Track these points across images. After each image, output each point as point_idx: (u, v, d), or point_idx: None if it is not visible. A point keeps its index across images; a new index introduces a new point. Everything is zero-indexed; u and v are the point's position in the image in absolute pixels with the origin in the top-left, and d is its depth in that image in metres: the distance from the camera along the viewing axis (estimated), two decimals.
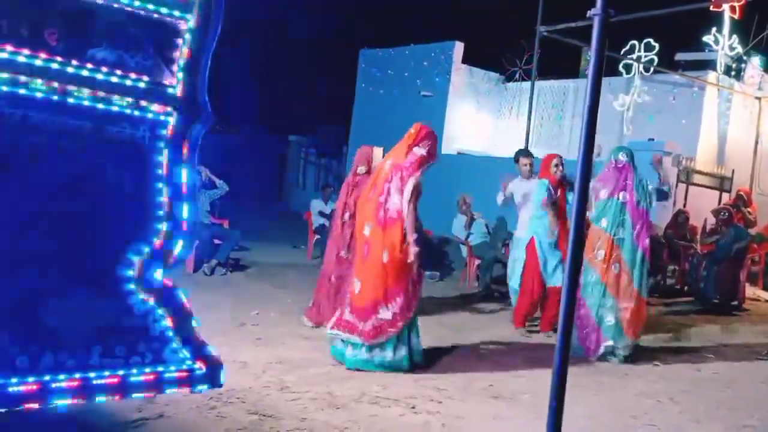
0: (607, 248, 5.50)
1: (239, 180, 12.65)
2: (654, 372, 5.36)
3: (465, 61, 14.57)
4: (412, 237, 4.56)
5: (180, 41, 2.63)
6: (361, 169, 5.96)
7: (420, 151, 4.70)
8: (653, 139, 10.76)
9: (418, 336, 4.82)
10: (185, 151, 2.66)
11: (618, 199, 5.55)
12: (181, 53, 2.63)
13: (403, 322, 4.60)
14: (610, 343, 5.48)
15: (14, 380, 2.29)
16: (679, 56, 12.93)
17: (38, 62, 2.35)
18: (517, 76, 14.96)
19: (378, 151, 6.00)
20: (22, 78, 2.33)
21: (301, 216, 10.96)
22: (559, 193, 6.28)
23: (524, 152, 7.03)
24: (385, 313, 4.55)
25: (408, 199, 4.55)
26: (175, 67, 2.63)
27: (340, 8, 20.24)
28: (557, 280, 6.07)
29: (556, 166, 6.25)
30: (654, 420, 4.19)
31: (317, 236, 9.98)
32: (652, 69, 12.33)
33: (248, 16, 14.37)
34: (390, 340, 4.60)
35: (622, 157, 5.64)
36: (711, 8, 10.45)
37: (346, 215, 5.84)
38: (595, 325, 5.52)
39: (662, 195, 5.95)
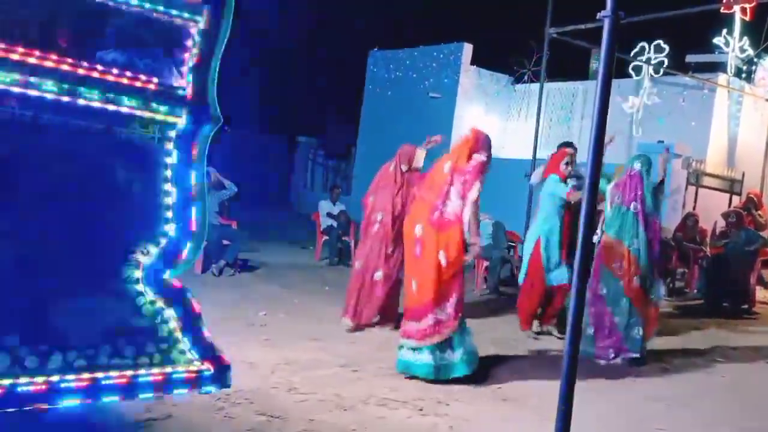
0: (627, 260, 5.51)
1: (247, 181, 12.68)
2: (663, 375, 5.33)
3: (474, 62, 14.56)
4: (477, 238, 4.70)
5: (190, 43, 2.64)
6: (404, 167, 6.11)
7: (480, 157, 4.76)
8: (663, 142, 10.70)
9: (470, 336, 4.77)
10: (194, 152, 2.67)
11: (630, 209, 5.56)
12: (191, 55, 2.64)
13: (457, 321, 4.60)
14: (630, 353, 5.49)
15: (24, 380, 2.30)
16: (690, 58, 12.86)
17: (49, 64, 2.37)
18: (525, 77, 14.93)
19: (421, 153, 6.10)
20: (33, 79, 2.34)
21: (309, 217, 10.98)
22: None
23: (568, 143, 6.83)
24: (441, 314, 4.58)
25: (473, 201, 4.63)
26: (184, 69, 2.64)
27: (350, 9, 20.26)
28: (558, 278, 6.06)
29: (567, 164, 6.21)
30: (663, 424, 4.16)
31: (325, 237, 9.99)
32: (662, 71, 12.27)
33: (256, 17, 14.41)
34: (445, 341, 4.60)
35: (636, 166, 5.64)
36: (722, 10, 10.39)
37: (387, 215, 6.02)
38: (618, 335, 5.51)
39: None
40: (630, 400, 4.60)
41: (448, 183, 4.67)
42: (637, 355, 5.47)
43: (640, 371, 5.35)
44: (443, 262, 4.54)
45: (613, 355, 5.50)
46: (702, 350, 6.31)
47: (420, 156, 6.09)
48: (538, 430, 3.81)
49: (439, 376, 4.53)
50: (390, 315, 6.03)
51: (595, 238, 6.29)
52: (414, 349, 4.59)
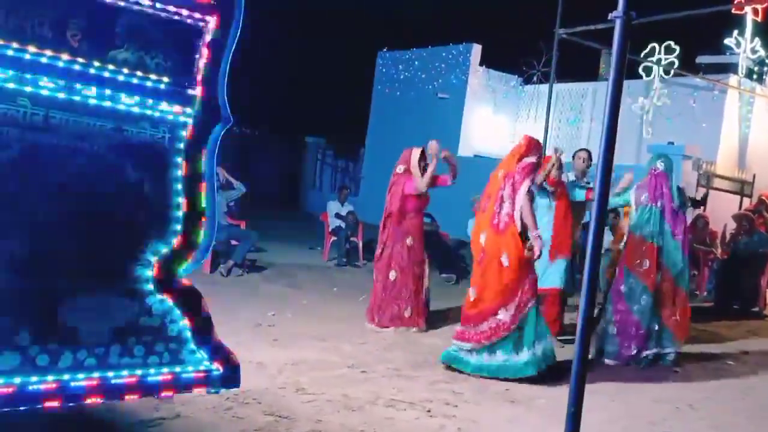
0: (651, 257, 5.54)
1: (256, 181, 12.72)
2: (672, 378, 5.30)
3: (483, 63, 14.54)
4: (535, 231, 4.74)
5: (200, 43, 2.64)
6: (400, 168, 6.21)
7: (530, 159, 4.91)
8: (673, 143, 10.66)
9: (545, 336, 4.85)
10: (204, 151, 2.67)
11: (656, 207, 5.59)
12: (201, 55, 2.64)
13: (518, 320, 4.72)
14: (654, 351, 5.52)
15: (34, 378, 2.31)
16: (700, 59, 12.80)
17: (60, 63, 2.38)
18: (535, 78, 14.89)
19: (416, 152, 6.18)
20: (45, 79, 2.35)
21: (318, 217, 10.98)
22: (556, 194, 6.12)
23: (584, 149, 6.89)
24: (504, 315, 4.71)
25: (523, 195, 4.74)
26: (195, 69, 2.64)
27: (358, 10, 20.27)
28: (547, 282, 5.97)
29: (552, 165, 6.15)
30: (672, 427, 4.14)
31: (333, 238, 9.99)
32: (672, 72, 12.21)
33: (265, 18, 14.43)
34: (507, 341, 4.71)
35: (660, 165, 5.68)
36: (733, 11, 10.31)
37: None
38: (641, 333, 5.52)
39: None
40: (639, 403, 4.57)
41: (501, 188, 4.84)
42: (655, 351, 5.51)
43: (650, 374, 5.32)
44: (505, 263, 4.70)
45: (633, 353, 5.51)
46: (712, 353, 6.27)
47: (414, 156, 6.14)
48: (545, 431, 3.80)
49: (499, 375, 4.68)
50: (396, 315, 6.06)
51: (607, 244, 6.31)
52: (471, 351, 4.76)
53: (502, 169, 4.97)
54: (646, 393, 4.82)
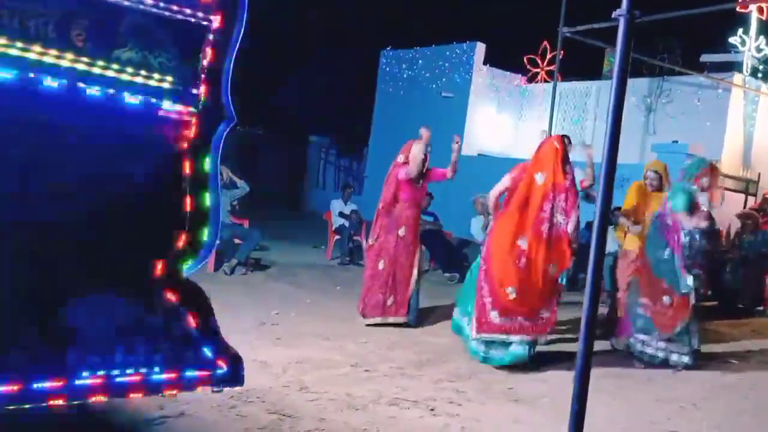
0: (637, 246, 5.76)
1: (259, 180, 12.74)
2: (676, 377, 5.30)
3: (486, 62, 14.53)
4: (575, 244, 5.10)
5: (204, 42, 2.65)
6: (400, 158, 6.25)
7: (571, 169, 5.14)
8: (677, 142, 10.63)
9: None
10: (209, 150, 2.68)
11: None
12: (205, 54, 2.65)
13: (549, 328, 5.15)
14: (640, 337, 5.53)
15: (39, 376, 2.32)
16: (705, 58, 12.76)
17: (65, 63, 2.38)
18: (538, 77, 14.87)
19: (417, 146, 6.17)
20: (49, 78, 2.36)
21: (321, 216, 10.99)
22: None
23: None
24: (545, 314, 5.07)
25: (577, 216, 5.02)
26: (199, 68, 2.65)
27: (362, 8, 20.27)
28: None
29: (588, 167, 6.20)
30: (676, 425, 4.14)
31: (337, 237, 10.00)
32: (676, 70, 12.18)
33: (268, 16, 14.43)
34: (533, 341, 5.09)
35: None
36: (738, 9, 10.32)
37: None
38: (627, 318, 5.72)
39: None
40: (642, 402, 4.57)
41: (550, 199, 4.97)
42: (640, 337, 5.54)
43: (653, 372, 5.32)
44: (552, 272, 4.97)
45: (621, 334, 5.71)
46: (716, 352, 6.25)
47: (416, 146, 6.15)
48: (549, 430, 3.80)
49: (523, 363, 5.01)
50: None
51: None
52: (503, 343, 5.02)
53: (542, 171, 5.03)
54: (649, 392, 4.82)
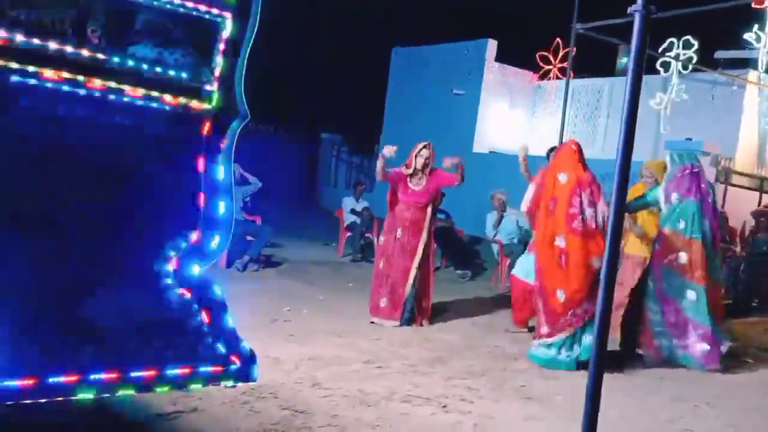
0: (691, 251, 5.47)
1: (271, 177, 12.74)
2: (690, 376, 5.26)
3: (498, 58, 14.46)
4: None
5: (218, 39, 2.66)
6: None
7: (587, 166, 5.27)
8: (691, 139, 10.55)
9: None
10: (222, 147, 2.69)
11: (693, 199, 5.52)
12: (219, 51, 2.66)
13: (587, 317, 4.98)
14: (727, 345, 5.47)
15: (54, 371, 2.34)
16: (719, 54, 12.64)
17: (81, 59, 2.40)
18: (551, 74, 14.80)
19: (418, 145, 6.23)
20: (65, 74, 2.37)
21: (333, 213, 11.00)
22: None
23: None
24: (589, 306, 4.93)
25: (603, 209, 5.06)
26: (213, 65, 2.66)
27: (373, 6, 20.25)
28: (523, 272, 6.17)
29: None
30: (690, 425, 4.11)
31: (348, 234, 10.01)
32: (690, 67, 12.08)
33: (280, 13, 14.43)
34: (572, 335, 5.04)
35: (696, 162, 5.66)
36: (753, 5, 10.21)
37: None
38: (704, 328, 5.39)
39: None
40: (656, 401, 4.55)
41: (577, 194, 5.05)
42: (728, 344, 5.46)
43: (667, 371, 5.28)
44: (596, 264, 4.86)
45: (707, 349, 5.38)
46: (730, 351, 6.20)
47: (415, 149, 6.21)
48: (562, 429, 3.79)
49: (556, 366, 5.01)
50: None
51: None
52: (547, 346, 5.06)
53: (563, 172, 5.14)
54: (662, 390, 4.79)
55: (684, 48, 12.13)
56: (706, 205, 5.53)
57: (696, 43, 11.99)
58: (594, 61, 13.68)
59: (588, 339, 4.95)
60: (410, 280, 6.07)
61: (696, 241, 5.46)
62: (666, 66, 12.44)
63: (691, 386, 4.96)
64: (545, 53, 14.78)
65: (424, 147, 6.20)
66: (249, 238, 8.12)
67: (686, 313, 5.42)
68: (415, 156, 6.15)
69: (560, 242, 5.04)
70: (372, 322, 6.06)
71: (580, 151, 5.26)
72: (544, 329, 5.12)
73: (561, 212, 5.06)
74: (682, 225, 5.50)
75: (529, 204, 5.49)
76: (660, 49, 12.24)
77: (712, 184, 5.87)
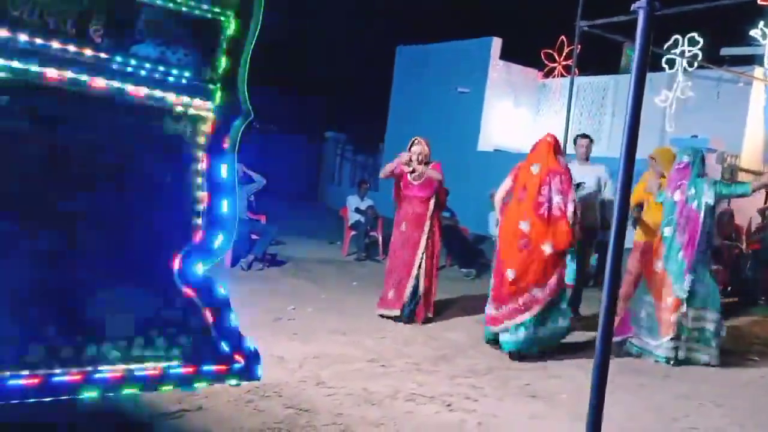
0: (655, 246, 5.63)
1: (276, 176, 12.76)
2: (695, 374, 5.24)
3: (503, 57, 14.44)
4: (577, 226, 5.26)
5: (221, 37, 2.66)
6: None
7: (563, 159, 5.42)
8: (696, 136, 10.51)
9: (565, 318, 5.34)
10: (225, 145, 2.69)
11: (672, 198, 5.56)
12: (222, 49, 2.66)
13: (551, 297, 5.15)
14: (635, 337, 5.54)
15: (59, 370, 2.34)
16: (725, 51, 12.59)
17: (84, 59, 2.40)
18: (555, 72, 14.76)
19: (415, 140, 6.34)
20: (69, 74, 2.38)
21: (337, 212, 11.00)
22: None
23: (582, 134, 7.20)
24: (538, 293, 5.12)
25: (573, 198, 5.22)
26: (215, 63, 2.66)
27: (377, 4, 20.24)
28: None
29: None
30: (696, 423, 4.09)
31: (353, 232, 10.01)
32: (696, 64, 12.03)
33: (284, 12, 14.45)
34: (540, 315, 5.14)
35: (685, 158, 5.60)
36: (759, 1, 10.15)
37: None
38: (627, 312, 5.69)
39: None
40: (661, 399, 4.53)
41: (546, 183, 5.19)
42: (636, 337, 5.53)
43: (673, 369, 5.27)
44: (548, 250, 5.08)
45: (615, 330, 5.42)
46: (737, 348, 6.18)
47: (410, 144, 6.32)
48: (567, 427, 3.78)
49: (531, 350, 5.16)
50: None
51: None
52: (507, 330, 5.15)
53: (536, 163, 5.28)
54: (668, 388, 4.78)
55: (689, 45, 12.09)
56: (680, 204, 5.48)
57: (701, 40, 11.95)
58: (598, 59, 13.64)
59: (542, 331, 5.16)
60: (413, 272, 6.11)
61: (660, 237, 5.57)
62: (671, 63, 12.40)
63: (697, 384, 4.94)
64: (550, 51, 14.74)
65: (415, 143, 6.30)
66: (254, 236, 8.12)
67: (638, 306, 5.62)
68: (409, 152, 6.25)
69: (524, 226, 5.17)
70: (379, 315, 6.12)
71: (556, 143, 5.39)
72: (490, 309, 5.30)
73: (529, 200, 5.19)
74: (661, 224, 5.64)
75: (502, 193, 5.54)
76: (665, 47, 12.20)
77: (707, 180, 5.54)
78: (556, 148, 5.37)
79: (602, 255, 7.39)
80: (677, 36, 12.15)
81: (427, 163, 6.25)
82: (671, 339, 5.37)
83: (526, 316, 5.09)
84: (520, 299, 5.12)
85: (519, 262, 5.15)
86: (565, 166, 5.33)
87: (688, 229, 5.42)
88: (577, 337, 6.11)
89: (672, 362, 5.36)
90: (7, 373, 2.23)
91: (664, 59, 12.39)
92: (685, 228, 5.43)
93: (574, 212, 5.18)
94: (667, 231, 5.52)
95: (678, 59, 12.20)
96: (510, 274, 5.15)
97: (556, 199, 5.16)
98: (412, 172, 6.22)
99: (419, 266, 6.12)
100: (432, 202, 6.25)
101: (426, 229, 6.18)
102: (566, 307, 5.39)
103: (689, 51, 12.10)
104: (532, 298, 5.11)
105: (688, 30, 11.93)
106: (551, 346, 5.29)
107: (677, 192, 5.53)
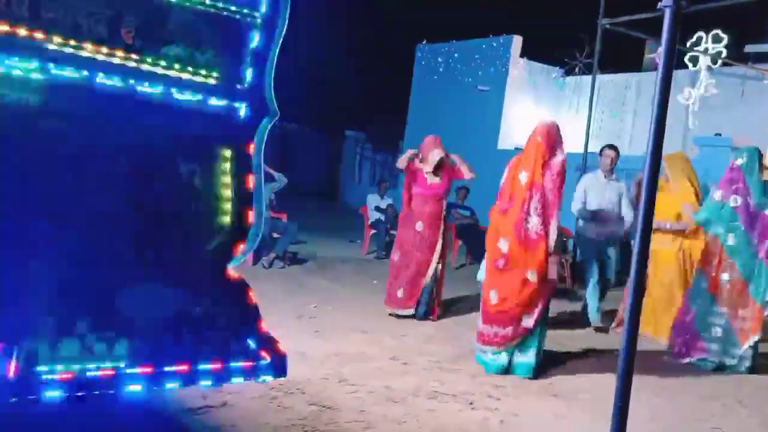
0: (717, 256, 5.35)
1: (296, 174, 12.84)
2: (720, 374, 5.20)
3: (523, 55, 14.36)
4: (554, 257, 4.68)
5: (248, 38, 2.69)
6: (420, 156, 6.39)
7: (557, 159, 4.70)
8: (720, 134, 10.39)
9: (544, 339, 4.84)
10: (252, 145, 2.72)
11: (728, 203, 5.34)
12: (249, 50, 2.69)
13: (534, 327, 4.65)
14: (714, 354, 5.33)
15: (92, 366, 2.40)
16: (749, 48, 12.41)
17: (115, 60, 2.45)
18: (576, 70, 14.66)
19: (436, 154, 6.23)
20: (101, 75, 2.43)
21: (357, 211, 11.03)
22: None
23: (609, 145, 6.93)
24: (527, 321, 4.63)
25: (558, 220, 4.65)
26: (243, 64, 2.70)
27: (397, 2, 20.24)
28: None
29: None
30: (720, 424, 4.06)
31: (373, 231, 10.03)
32: (720, 61, 11.88)
33: (305, 12, 14.47)
34: (527, 344, 4.66)
35: (738, 161, 5.43)
36: None
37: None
38: (695, 332, 5.40)
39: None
40: (686, 400, 4.50)
41: (527, 199, 4.63)
42: (715, 354, 5.32)
43: (695, 370, 5.23)
44: (533, 279, 4.57)
45: (684, 350, 5.38)
46: (762, 350, 6.11)
47: (433, 156, 6.20)
48: (589, 427, 3.78)
49: (509, 373, 4.65)
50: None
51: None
52: (494, 353, 4.69)
53: (525, 171, 4.70)
54: (692, 389, 4.74)
55: (713, 42, 11.93)
56: (742, 209, 5.27)
57: (725, 37, 11.78)
58: (620, 57, 13.50)
59: (521, 358, 4.66)
60: (431, 272, 6.14)
61: (723, 246, 5.33)
62: (694, 61, 12.25)
63: (721, 385, 4.90)
64: (571, 49, 14.64)
65: (435, 145, 6.28)
66: (275, 235, 8.18)
67: (695, 315, 5.43)
68: (429, 153, 6.22)
69: (503, 245, 4.67)
70: (390, 314, 6.13)
71: (548, 140, 4.69)
72: (479, 321, 4.82)
73: (513, 214, 4.68)
74: (719, 230, 5.37)
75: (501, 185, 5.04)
76: (688, 44, 12.06)
77: (765, 185, 5.37)
78: (547, 151, 4.68)
79: (626, 256, 7.33)
80: (701, 33, 11.99)
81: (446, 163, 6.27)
82: (750, 347, 5.28)
83: (513, 344, 4.64)
84: (506, 328, 4.64)
85: (500, 284, 4.69)
86: (551, 179, 4.65)
87: (764, 236, 5.22)
88: (601, 336, 6.09)
89: (747, 370, 5.27)
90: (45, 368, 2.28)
91: (687, 56, 12.24)
92: (762, 234, 5.23)
93: (554, 237, 4.61)
94: (731, 239, 5.29)
95: (702, 57, 12.05)
96: (493, 296, 4.72)
97: (534, 220, 4.60)
98: (434, 169, 6.20)
99: (435, 267, 6.16)
100: (445, 201, 6.31)
101: (442, 228, 6.24)
102: (542, 337, 4.76)
103: (713, 48, 11.95)
104: (517, 328, 4.63)
105: (711, 27, 11.77)
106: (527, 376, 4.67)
107: (733, 197, 5.31)
